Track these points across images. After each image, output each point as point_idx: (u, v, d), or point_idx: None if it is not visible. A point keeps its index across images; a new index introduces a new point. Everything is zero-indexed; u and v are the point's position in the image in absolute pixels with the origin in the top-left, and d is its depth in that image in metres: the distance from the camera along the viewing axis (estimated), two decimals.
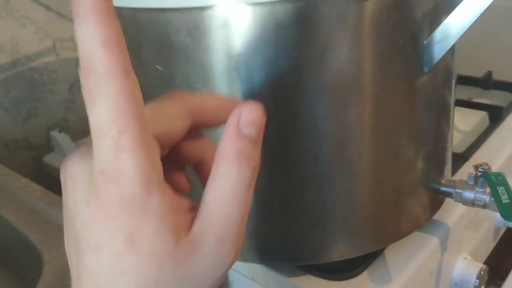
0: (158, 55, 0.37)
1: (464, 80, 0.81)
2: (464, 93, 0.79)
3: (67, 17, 0.76)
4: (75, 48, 0.79)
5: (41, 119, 0.77)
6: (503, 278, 0.58)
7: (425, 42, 0.38)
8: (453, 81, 0.44)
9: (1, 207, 0.51)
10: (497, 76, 0.80)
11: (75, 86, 0.80)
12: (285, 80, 0.35)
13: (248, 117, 0.23)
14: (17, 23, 0.70)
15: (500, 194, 0.38)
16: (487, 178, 0.40)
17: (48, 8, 0.73)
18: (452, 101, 0.45)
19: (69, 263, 0.24)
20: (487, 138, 0.63)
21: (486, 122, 0.68)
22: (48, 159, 0.72)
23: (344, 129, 0.37)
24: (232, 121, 0.22)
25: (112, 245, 0.20)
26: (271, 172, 0.38)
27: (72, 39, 0.78)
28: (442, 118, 0.44)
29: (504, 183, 0.39)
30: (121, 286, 0.20)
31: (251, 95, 0.35)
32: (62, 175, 0.22)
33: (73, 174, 0.22)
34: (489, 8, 0.36)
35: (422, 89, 0.40)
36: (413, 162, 0.42)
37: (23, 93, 0.74)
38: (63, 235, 0.50)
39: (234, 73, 0.35)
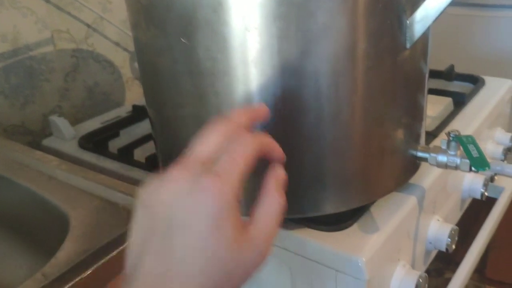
0: (183, 29, 0.42)
1: (430, 73, 0.89)
2: (431, 84, 0.87)
3: (64, 10, 0.80)
4: (71, 40, 0.83)
5: (38, 106, 0.81)
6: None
7: (407, 21, 0.45)
8: (428, 61, 0.52)
9: (21, 178, 0.54)
10: (458, 69, 0.89)
11: (69, 76, 0.84)
12: (292, 49, 0.41)
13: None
14: (19, 13, 0.74)
15: (471, 150, 0.46)
16: (459, 139, 0.47)
17: (47, 1, 0.77)
18: (426, 78, 0.53)
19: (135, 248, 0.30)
20: (452, 120, 0.71)
21: (451, 107, 0.77)
22: (47, 142, 0.76)
23: (341, 95, 0.43)
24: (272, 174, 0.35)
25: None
26: (277, 132, 0.44)
27: (69, 31, 0.82)
28: (419, 92, 0.52)
29: (474, 141, 0.46)
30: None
31: (263, 62, 0.41)
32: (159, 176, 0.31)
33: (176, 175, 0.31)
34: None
35: (404, 63, 0.47)
36: (395, 128, 0.49)
37: (22, 81, 0.77)
38: (85, 196, 0.54)
39: (250, 43, 0.41)
